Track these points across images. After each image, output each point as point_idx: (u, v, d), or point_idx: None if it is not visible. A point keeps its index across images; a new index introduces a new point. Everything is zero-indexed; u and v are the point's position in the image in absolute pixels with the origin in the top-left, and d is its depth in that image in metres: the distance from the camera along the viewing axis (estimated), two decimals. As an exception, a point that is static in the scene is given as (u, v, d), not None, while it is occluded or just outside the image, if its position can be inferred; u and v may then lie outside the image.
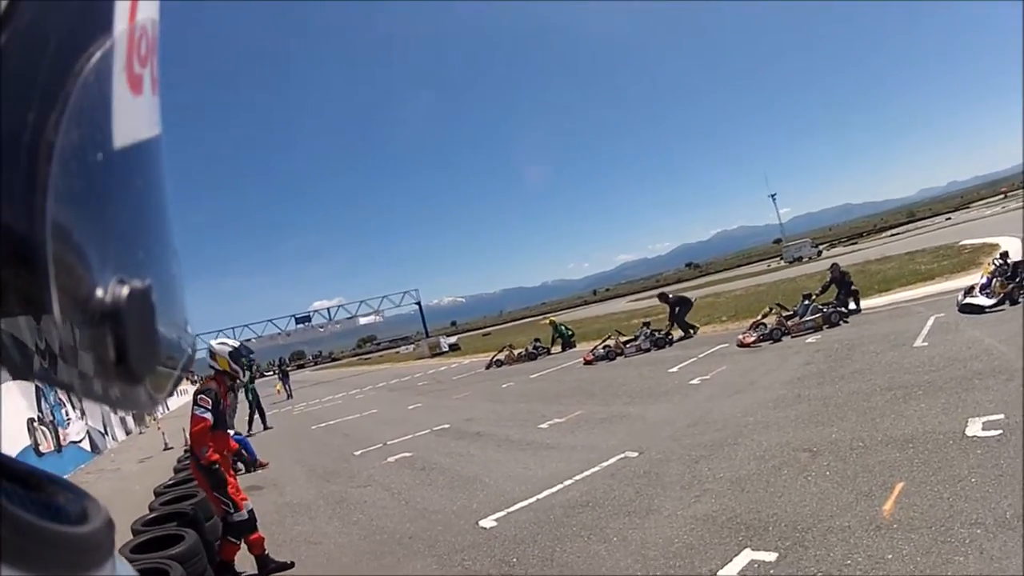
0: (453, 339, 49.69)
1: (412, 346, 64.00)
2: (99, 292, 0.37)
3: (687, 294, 20.04)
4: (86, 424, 17.00)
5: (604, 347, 17.11)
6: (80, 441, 16.43)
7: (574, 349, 21.91)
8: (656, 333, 16.76)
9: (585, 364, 16.60)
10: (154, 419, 23.78)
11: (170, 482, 7.92)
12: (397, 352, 71.47)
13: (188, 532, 4.93)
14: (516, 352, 22.88)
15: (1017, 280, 10.15)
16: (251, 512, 5.29)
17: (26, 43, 0.33)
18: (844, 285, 14.19)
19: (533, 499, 5.98)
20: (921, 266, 20.52)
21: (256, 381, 17.51)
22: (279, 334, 64.74)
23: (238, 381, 5.67)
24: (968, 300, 10.53)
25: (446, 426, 11.40)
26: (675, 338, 16.94)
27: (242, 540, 5.30)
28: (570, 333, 23.57)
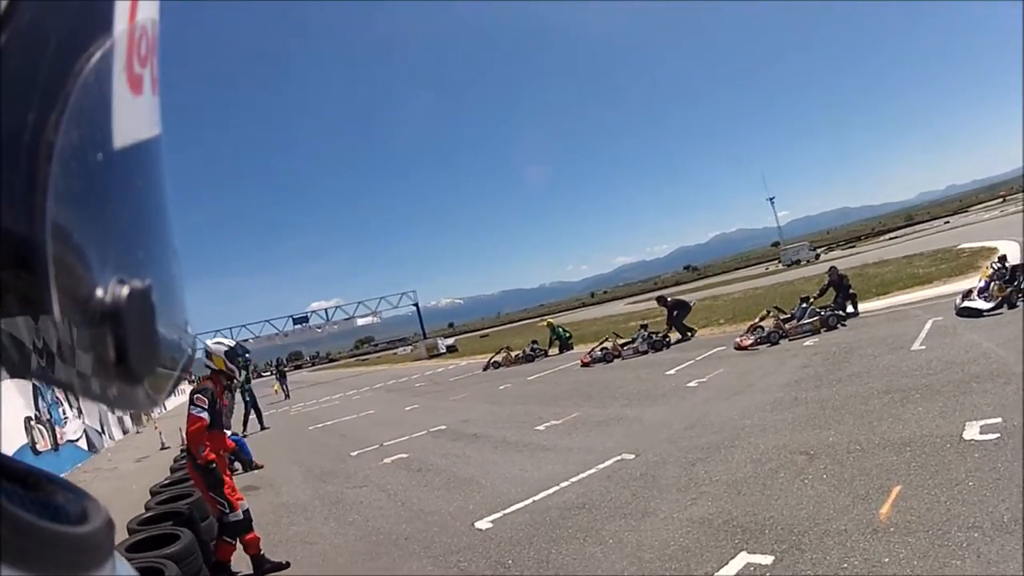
0: (451, 340, 49.75)
1: (410, 347, 64.00)
2: (99, 292, 0.37)
3: (685, 297, 20.04)
4: (83, 423, 16.98)
5: (601, 349, 17.08)
6: (77, 440, 16.41)
7: (571, 351, 21.89)
8: (653, 336, 16.75)
9: (582, 366, 16.58)
10: (151, 419, 23.76)
11: (166, 481, 7.89)
12: (395, 353, 71.45)
13: (183, 532, 4.91)
14: (514, 354, 22.85)
15: (1015, 284, 10.15)
16: (247, 512, 5.29)
17: (26, 43, 0.33)
18: (842, 288, 14.19)
19: (529, 501, 5.96)
20: (919, 270, 20.54)
21: (253, 381, 17.51)
22: (277, 334, 64.70)
23: (235, 381, 5.67)
24: (966, 304, 10.53)
25: (443, 427, 11.39)
26: (672, 341, 16.93)
27: (238, 540, 5.29)
28: (568, 335, 23.55)
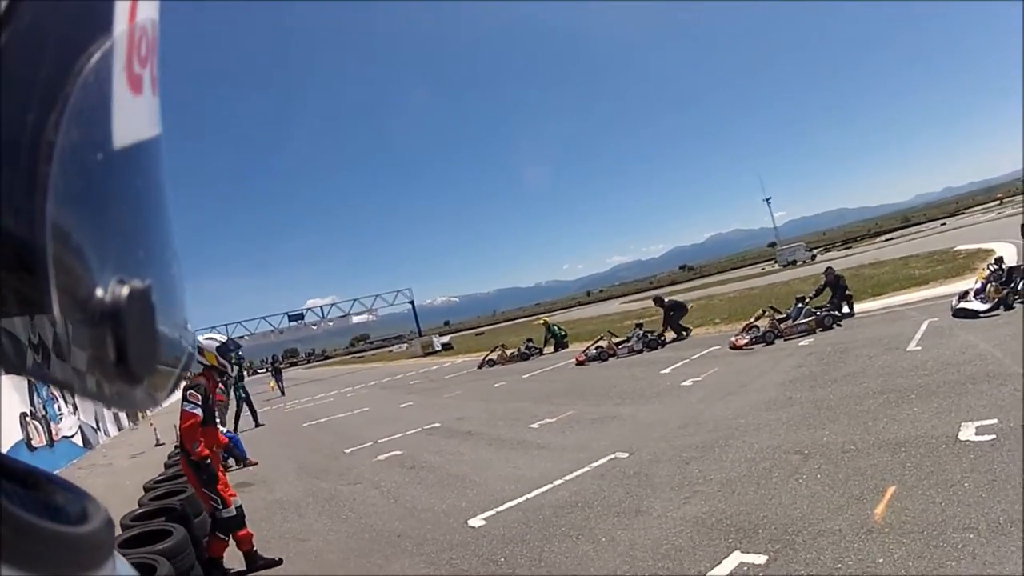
0: (446, 338, 49.70)
1: (405, 345, 63.92)
2: (99, 292, 0.37)
3: (682, 299, 20.06)
4: (78, 419, 16.95)
5: (597, 348, 17.10)
6: (72, 436, 16.39)
7: (567, 349, 21.91)
8: (648, 335, 16.76)
9: (577, 365, 16.58)
10: (146, 415, 23.69)
11: (160, 477, 7.86)
12: (390, 351, 71.41)
13: (176, 528, 4.88)
14: (509, 352, 22.88)
15: (1012, 286, 10.17)
16: (239, 508, 5.27)
17: (26, 43, 0.33)
18: (838, 289, 14.20)
19: (522, 499, 5.94)
20: (915, 271, 20.60)
21: (248, 378, 17.47)
22: (272, 332, 64.47)
23: (228, 376, 5.65)
24: (962, 305, 10.54)
25: (437, 425, 11.37)
26: (668, 340, 16.95)
27: (230, 536, 5.27)
28: (563, 333, 23.56)
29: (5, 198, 0.32)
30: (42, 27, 0.34)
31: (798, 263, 65.14)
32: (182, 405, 5.12)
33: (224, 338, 5.51)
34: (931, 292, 15.14)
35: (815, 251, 79.51)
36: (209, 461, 5.12)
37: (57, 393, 14.76)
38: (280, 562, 5.42)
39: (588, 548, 4.52)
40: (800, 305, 13.42)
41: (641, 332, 16.83)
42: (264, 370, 60.96)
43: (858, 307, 14.55)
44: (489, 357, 23.03)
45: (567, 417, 9.57)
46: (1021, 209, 40.48)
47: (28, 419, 13.50)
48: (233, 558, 5.39)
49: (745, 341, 13.02)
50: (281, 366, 36.35)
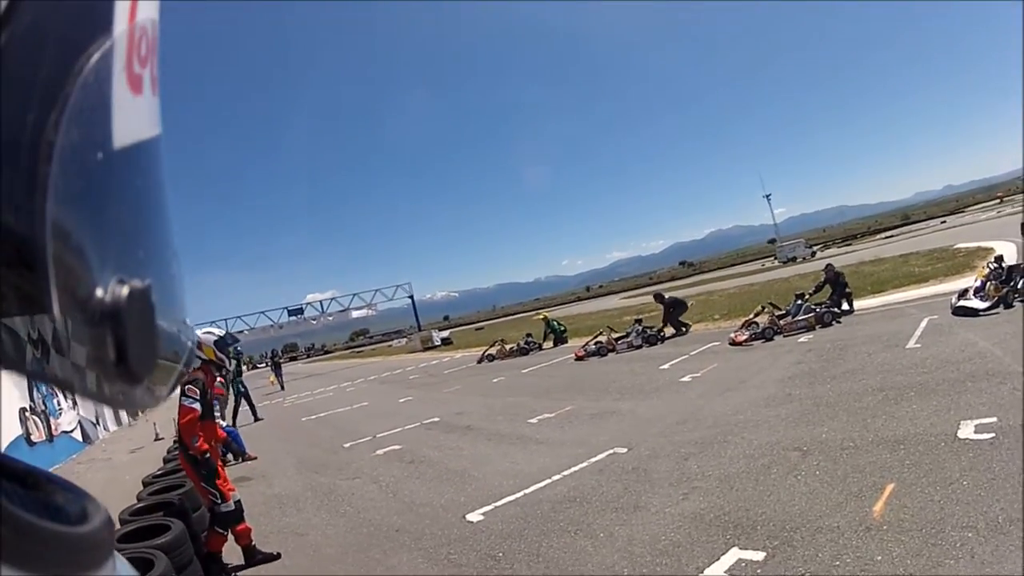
0: (446, 333, 49.72)
1: (405, 339, 63.90)
2: (99, 292, 0.37)
3: (682, 295, 20.03)
4: (78, 414, 16.93)
5: (596, 343, 17.10)
6: (72, 431, 16.38)
7: (566, 345, 21.90)
8: (648, 330, 16.75)
9: (577, 360, 16.58)
10: (145, 410, 23.70)
11: (159, 472, 7.86)
12: (390, 345, 71.39)
13: (174, 522, 4.88)
14: (508, 347, 22.87)
15: (1011, 284, 10.16)
16: (238, 503, 5.27)
17: (26, 43, 0.33)
18: (838, 286, 14.20)
19: (521, 494, 5.95)
20: (915, 268, 20.59)
21: (248, 373, 17.45)
22: (272, 326, 64.42)
23: (226, 371, 5.64)
24: (962, 303, 10.53)
25: (436, 419, 11.37)
26: (667, 335, 16.94)
27: (229, 531, 5.26)
28: (562, 329, 23.55)
29: (5, 198, 0.32)
30: (42, 27, 0.34)
31: (798, 260, 65.12)
32: (180, 400, 5.11)
33: (222, 332, 5.50)
34: (931, 290, 15.11)
35: (815, 248, 79.49)
36: (209, 455, 5.12)
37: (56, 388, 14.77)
38: (278, 557, 5.42)
39: (586, 543, 4.53)
40: (800, 302, 13.41)
41: (640, 328, 16.81)
42: (264, 365, 60.87)
43: (858, 304, 14.54)
44: (488, 352, 23.01)
45: (566, 412, 9.57)
46: (1021, 208, 40.44)
47: (28, 414, 13.51)
48: (231, 553, 5.39)
49: (744, 337, 13.01)
50: (280, 361, 36.27)
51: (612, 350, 16.53)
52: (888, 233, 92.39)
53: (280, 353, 51.51)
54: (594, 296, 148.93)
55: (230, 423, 13.29)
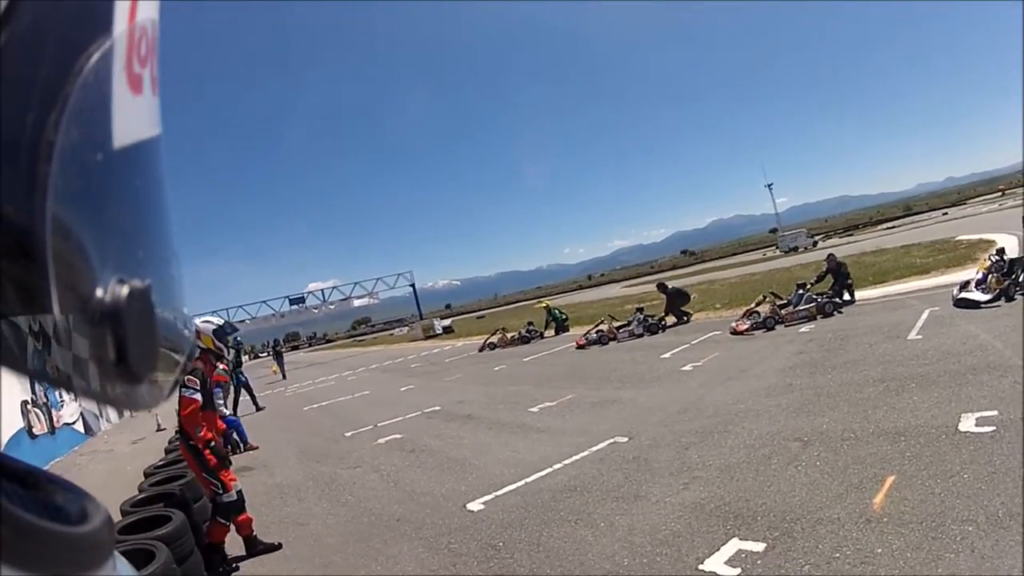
0: (447, 321, 49.73)
1: (406, 328, 63.93)
2: (99, 292, 0.37)
3: (683, 284, 19.99)
4: (80, 406, 16.96)
5: (597, 332, 17.10)
6: (74, 423, 16.41)
7: (567, 333, 21.90)
8: (649, 319, 16.75)
9: (578, 348, 16.61)
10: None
11: (160, 463, 7.88)
12: (391, 334, 71.43)
13: (176, 513, 4.89)
14: (509, 335, 22.91)
15: (1013, 277, 10.14)
16: (240, 493, 5.28)
17: (26, 43, 0.33)
18: (840, 276, 14.18)
19: (521, 483, 5.97)
20: (917, 259, 20.52)
21: (250, 362, 17.44)
22: (273, 315, 64.40)
23: (225, 360, 5.63)
24: (963, 295, 10.50)
25: (437, 408, 11.39)
26: (668, 324, 16.94)
27: (231, 521, 5.28)
28: (564, 317, 23.57)
29: (5, 198, 0.32)
30: (42, 27, 0.34)
31: (800, 249, 65.05)
32: (180, 391, 5.10)
33: (221, 321, 5.47)
34: (932, 281, 15.06)
35: (817, 238, 79.34)
36: (214, 443, 5.13)
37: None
38: (280, 547, 5.45)
39: (587, 533, 4.54)
40: (801, 291, 13.39)
41: (642, 316, 16.82)
42: (266, 354, 61.05)
43: (859, 295, 14.52)
44: (490, 340, 23.06)
45: (567, 401, 9.59)
46: (1022, 201, 40.27)
47: (29, 407, 13.53)
48: (233, 543, 5.41)
49: (746, 327, 13.02)
50: (282, 350, 36.32)
51: (613, 339, 16.54)
52: (890, 224, 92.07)
53: (282, 342, 51.55)
54: (596, 284, 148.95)
55: (232, 412, 13.33)
